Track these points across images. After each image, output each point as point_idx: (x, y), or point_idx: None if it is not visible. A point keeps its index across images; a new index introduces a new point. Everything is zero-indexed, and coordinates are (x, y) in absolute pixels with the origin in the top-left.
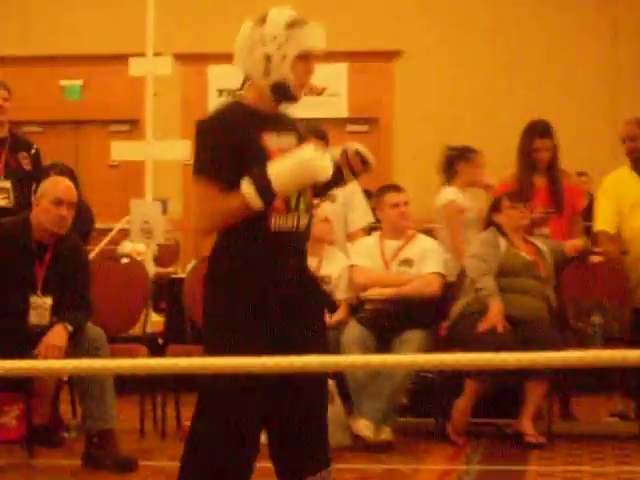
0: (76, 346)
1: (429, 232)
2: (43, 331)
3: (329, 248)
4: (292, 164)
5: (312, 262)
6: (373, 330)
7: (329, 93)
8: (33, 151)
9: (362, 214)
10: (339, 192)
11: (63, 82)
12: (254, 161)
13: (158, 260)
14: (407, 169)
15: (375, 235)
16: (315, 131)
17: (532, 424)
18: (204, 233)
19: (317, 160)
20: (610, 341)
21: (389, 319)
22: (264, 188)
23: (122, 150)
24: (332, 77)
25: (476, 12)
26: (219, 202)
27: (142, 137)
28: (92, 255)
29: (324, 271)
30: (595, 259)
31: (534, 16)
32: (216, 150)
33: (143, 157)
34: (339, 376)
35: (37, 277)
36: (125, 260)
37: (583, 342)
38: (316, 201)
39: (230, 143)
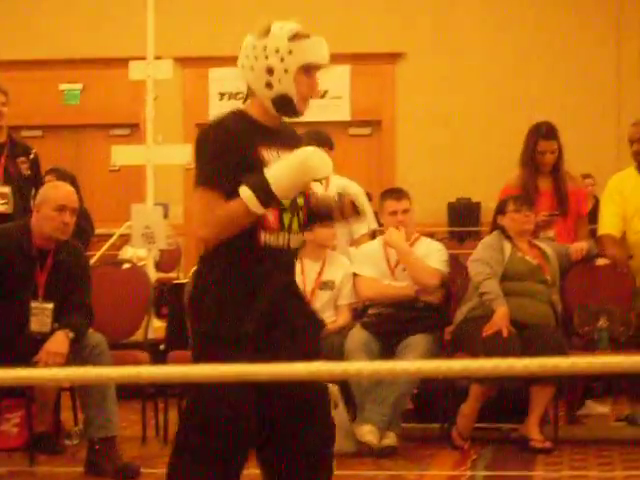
0: (77, 352)
1: (432, 235)
2: (44, 337)
3: (331, 253)
4: (289, 163)
5: (315, 267)
6: (377, 335)
7: (331, 96)
8: (32, 156)
9: (366, 220)
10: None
11: (63, 86)
12: (252, 172)
13: (160, 265)
14: (410, 172)
15: (379, 239)
16: (318, 138)
17: (538, 429)
18: (207, 242)
19: (315, 158)
20: (616, 345)
21: (393, 324)
22: (262, 190)
23: (122, 154)
24: (334, 80)
25: (478, 15)
26: (220, 210)
27: (143, 141)
28: (93, 261)
29: (327, 276)
30: (600, 262)
31: (537, 18)
32: (215, 159)
33: (144, 161)
34: (343, 381)
35: (38, 283)
36: (126, 265)
37: (589, 346)
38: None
39: (229, 152)
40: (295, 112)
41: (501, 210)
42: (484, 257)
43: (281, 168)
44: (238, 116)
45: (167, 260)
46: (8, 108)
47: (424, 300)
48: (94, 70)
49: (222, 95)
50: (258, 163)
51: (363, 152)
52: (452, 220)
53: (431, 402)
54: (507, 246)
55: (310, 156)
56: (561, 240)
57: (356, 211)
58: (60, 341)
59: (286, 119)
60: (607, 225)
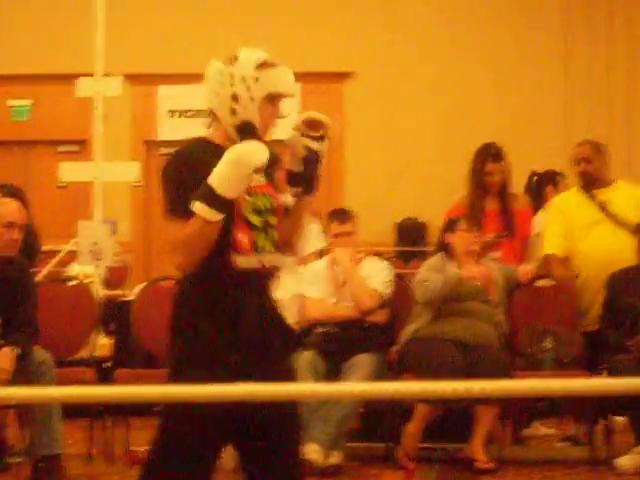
0: (22, 369)
1: (380, 254)
2: None
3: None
4: (224, 161)
5: None
6: (323, 354)
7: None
8: None
9: (313, 238)
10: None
11: (11, 102)
12: None
13: (107, 282)
14: (358, 191)
15: (326, 259)
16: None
17: (483, 449)
18: (184, 268)
19: (247, 148)
20: (561, 365)
21: (339, 343)
22: (208, 195)
23: (70, 171)
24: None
25: (428, 34)
26: (182, 232)
27: (91, 158)
28: (39, 277)
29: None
30: (542, 283)
31: (486, 37)
32: (178, 189)
33: (91, 178)
34: None
35: None
36: (73, 282)
37: (534, 367)
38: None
39: (191, 181)
40: (256, 139)
41: (450, 228)
42: (427, 278)
43: (218, 169)
44: (201, 143)
45: (115, 277)
46: None
47: (369, 320)
48: (43, 86)
49: (172, 113)
50: None
51: None
52: (399, 240)
53: (376, 421)
54: (451, 266)
55: (241, 148)
56: (507, 261)
57: (319, 125)
58: (5, 357)
59: None
60: (551, 245)
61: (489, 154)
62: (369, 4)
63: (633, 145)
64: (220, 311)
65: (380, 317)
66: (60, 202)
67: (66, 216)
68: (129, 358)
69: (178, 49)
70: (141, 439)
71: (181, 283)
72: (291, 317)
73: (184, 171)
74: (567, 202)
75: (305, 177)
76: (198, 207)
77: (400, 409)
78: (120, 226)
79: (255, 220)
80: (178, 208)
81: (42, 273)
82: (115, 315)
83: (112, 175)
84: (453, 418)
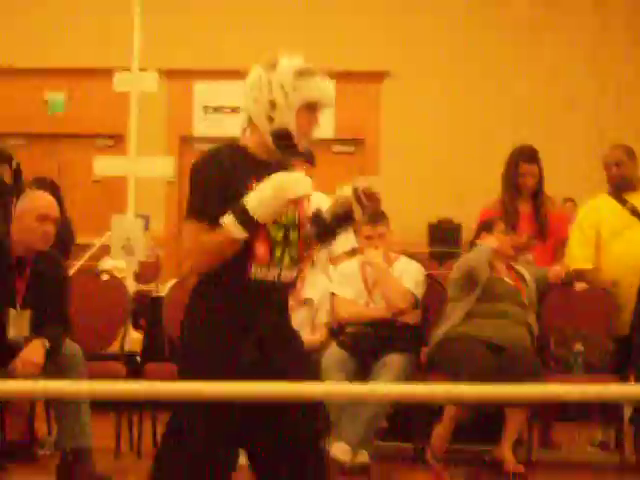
0: (53, 362)
1: (412, 255)
2: (21, 346)
3: (311, 270)
4: (264, 186)
5: None
6: (353, 354)
7: None
8: (14, 165)
9: (344, 238)
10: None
11: (47, 95)
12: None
13: (139, 277)
14: (392, 191)
15: (358, 259)
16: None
17: (511, 452)
18: (195, 271)
19: (288, 179)
20: (591, 370)
21: (370, 343)
22: (242, 215)
23: (105, 165)
24: None
25: (465, 35)
26: (204, 238)
27: (126, 152)
28: (72, 271)
29: (306, 294)
30: (578, 287)
31: (521, 40)
32: (204, 192)
33: (125, 173)
34: None
35: (17, 291)
36: (105, 277)
37: (564, 370)
38: (320, 248)
39: (219, 186)
40: (292, 147)
41: (488, 229)
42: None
43: (258, 193)
44: (233, 149)
45: (146, 272)
46: None
47: (401, 320)
48: (79, 80)
49: (206, 109)
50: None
51: (346, 170)
52: (433, 240)
53: (405, 421)
54: (482, 243)
55: (282, 178)
56: (540, 263)
57: (374, 199)
58: (36, 350)
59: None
60: (577, 259)
61: (523, 156)
62: (409, 3)
63: None
64: (234, 326)
65: (412, 317)
66: (95, 196)
67: (100, 210)
68: (159, 353)
69: (214, 46)
70: None
71: (196, 285)
72: (322, 316)
73: (212, 176)
74: (596, 208)
75: (328, 230)
76: (228, 221)
77: (430, 409)
78: (153, 221)
79: (276, 233)
80: (200, 211)
81: (75, 267)
82: (146, 310)
83: (146, 170)
84: (482, 420)
